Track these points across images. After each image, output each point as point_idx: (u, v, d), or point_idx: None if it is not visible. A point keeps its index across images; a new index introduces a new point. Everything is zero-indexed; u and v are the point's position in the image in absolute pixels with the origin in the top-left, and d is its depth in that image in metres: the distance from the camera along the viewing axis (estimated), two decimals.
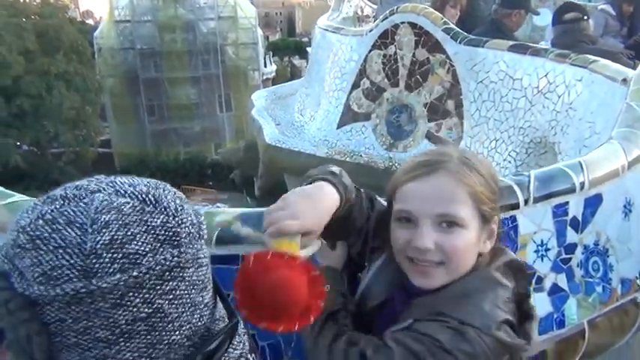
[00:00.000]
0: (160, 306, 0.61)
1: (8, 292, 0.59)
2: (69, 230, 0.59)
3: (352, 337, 1.07)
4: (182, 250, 0.63)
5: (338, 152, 5.10)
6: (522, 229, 1.59)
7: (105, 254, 0.58)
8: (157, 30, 30.91)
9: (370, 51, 5.02)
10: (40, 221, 0.60)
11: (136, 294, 0.59)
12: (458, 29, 4.49)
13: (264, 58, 35.90)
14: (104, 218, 0.59)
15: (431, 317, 1.01)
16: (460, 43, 4.43)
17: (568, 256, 1.69)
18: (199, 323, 0.68)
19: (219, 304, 0.76)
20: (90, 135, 27.00)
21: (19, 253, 0.59)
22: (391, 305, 1.15)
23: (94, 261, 0.57)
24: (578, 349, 1.63)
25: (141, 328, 0.61)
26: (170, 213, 0.64)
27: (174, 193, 0.68)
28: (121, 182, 0.65)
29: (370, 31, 5.07)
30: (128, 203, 0.62)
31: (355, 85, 5.16)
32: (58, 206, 0.61)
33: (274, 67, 37.77)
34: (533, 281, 1.62)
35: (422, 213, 1.04)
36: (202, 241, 0.70)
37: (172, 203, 0.65)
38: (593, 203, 1.72)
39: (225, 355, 0.72)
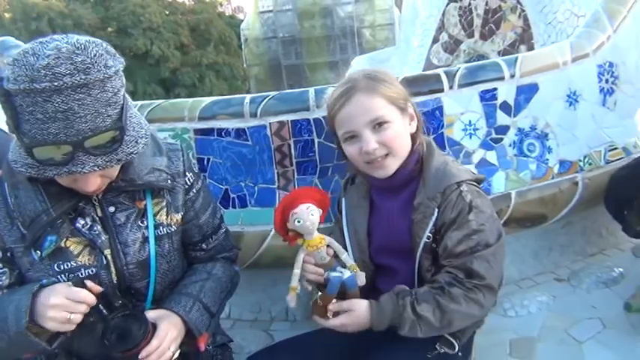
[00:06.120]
0: (72, 106, 1.06)
1: (0, 87, 1.11)
2: (31, 57, 1.08)
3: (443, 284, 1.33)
4: (89, 77, 1.07)
5: None
6: (448, 110, 1.89)
7: (42, 71, 1.05)
8: (296, 17, 32.37)
9: (447, 4, 5.20)
10: (21, 51, 1.11)
11: (57, 96, 1.06)
12: None
13: None
14: (48, 52, 1.08)
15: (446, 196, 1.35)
16: None
17: (499, 136, 1.95)
18: (102, 124, 1.11)
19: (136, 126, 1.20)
20: None
21: (6, 68, 1.11)
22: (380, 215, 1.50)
23: (35, 74, 1.05)
24: (502, 212, 1.89)
25: (59, 116, 1.07)
26: (89, 56, 1.09)
27: (105, 47, 1.14)
28: (76, 37, 1.15)
29: None
30: (66, 46, 1.09)
31: (435, 40, 5.37)
32: (33, 45, 1.12)
33: None
34: (461, 155, 1.93)
35: (358, 126, 1.36)
36: (114, 77, 1.12)
37: (94, 51, 1.10)
38: (527, 91, 1.95)
39: (123, 147, 1.15)
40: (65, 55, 1.06)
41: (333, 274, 1.33)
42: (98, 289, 1.20)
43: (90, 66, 1.07)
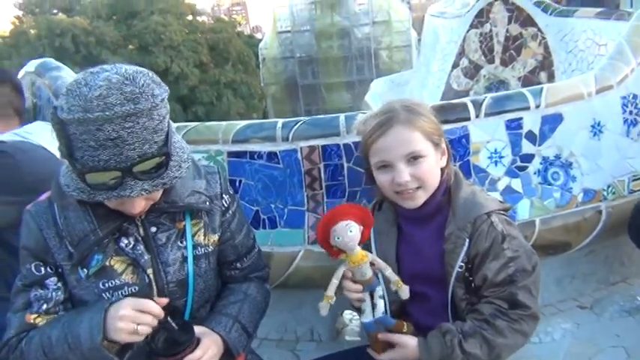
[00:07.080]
0: (122, 134, 1.13)
1: (55, 115, 1.18)
2: (83, 88, 1.15)
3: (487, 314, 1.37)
4: (138, 107, 1.13)
5: None
6: (474, 138, 1.94)
7: (94, 101, 1.12)
8: (314, 38, 32.67)
9: (468, 30, 5.28)
10: (74, 82, 1.18)
11: (108, 125, 1.12)
12: (548, 1, 4.60)
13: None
14: (100, 84, 1.14)
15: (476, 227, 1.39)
16: (550, 14, 4.54)
17: (524, 164, 2.00)
18: (149, 150, 1.17)
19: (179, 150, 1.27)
20: None
21: (60, 98, 1.20)
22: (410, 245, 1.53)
23: (88, 104, 1.12)
24: (526, 239, 1.92)
25: (110, 144, 1.13)
26: (137, 86, 1.14)
27: (151, 77, 1.20)
28: (124, 67, 1.23)
29: (468, 11, 5.33)
30: (116, 77, 1.16)
31: (455, 65, 5.44)
32: (85, 75, 1.19)
33: None
34: (487, 182, 1.97)
35: (394, 158, 1.40)
36: (160, 105, 1.18)
37: (142, 81, 1.16)
38: (552, 120, 2.00)
39: (168, 172, 1.21)
40: (115, 86, 1.12)
41: (365, 320, 1.39)
42: (164, 301, 1.26)
43: (138, 95, 1.13)
